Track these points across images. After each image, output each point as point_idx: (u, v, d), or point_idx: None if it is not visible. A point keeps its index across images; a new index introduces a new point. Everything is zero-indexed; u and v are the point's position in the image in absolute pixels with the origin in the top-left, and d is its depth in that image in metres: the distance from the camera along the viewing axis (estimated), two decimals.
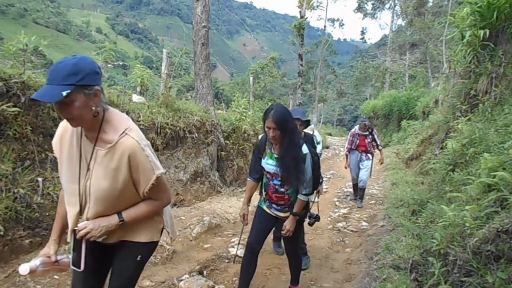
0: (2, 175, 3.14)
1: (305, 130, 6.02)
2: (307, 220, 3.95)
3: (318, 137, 5.93)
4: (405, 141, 12.68)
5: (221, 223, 5.39)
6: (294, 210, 2.89)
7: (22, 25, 74.65)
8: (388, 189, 7.71)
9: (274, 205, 3.01)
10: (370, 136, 6.91)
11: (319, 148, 6.13)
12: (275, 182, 2.92)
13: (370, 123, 7.04)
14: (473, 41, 4.80)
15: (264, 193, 3.09)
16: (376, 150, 7.17)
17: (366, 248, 4.50)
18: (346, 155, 7.27)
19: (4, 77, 3.39)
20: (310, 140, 4.03)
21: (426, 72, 24.63)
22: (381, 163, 7.76)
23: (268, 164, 2.89)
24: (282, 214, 3.02)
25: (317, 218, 4.06)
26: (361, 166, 6.95)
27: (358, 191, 7.10)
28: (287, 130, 2.66)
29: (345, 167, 7.41)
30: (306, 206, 3.05)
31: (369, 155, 6.99)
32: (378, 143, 6.99)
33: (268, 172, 2.94)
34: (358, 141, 6.95)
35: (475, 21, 4.78)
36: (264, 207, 3.07)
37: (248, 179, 3.17)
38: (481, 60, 4.70)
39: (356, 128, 7.07)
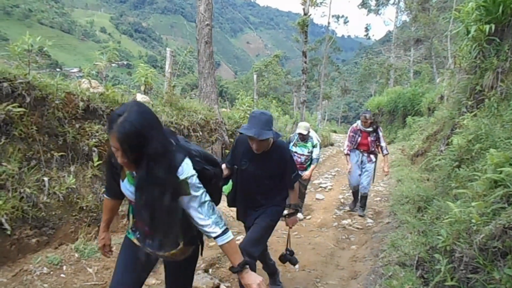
0: (9, 175, 3.17)
1: (298, 131, 5.51)
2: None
3: (315, 139, 5.65)
4: (410, 137, 12.62)
5: (226, 221, 5.37)
6: (235, 265, 1.74)
7: (27, 26, 75.48)
8: (394, 186, 7.67)
9: (148, 239, 1.84)
10: (375, 134, 5.82)
11: (316, 151, 5.70)
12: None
13: (373, 117, 5.92)
14: (478, 36, 4.76)
15: (131, 220, 1.94)
16: (380, 154, 6.01)
17: (372, 245, 4.49)
18: (347, 156, 6.00)
19: (9, 77, 3.43)
20: (281, 151, 2.96)
21: (431, 68, 24.47)
22: (386, 174, 6.13)
23: (128, 190, 1.78)
24: (160, 253, 1.86)
25: (291, 253, 3.31)
26: (362, 170, 5.95)
27: (360, 199, 6.11)
28: (144, 153, 1.50)
29: (348, 172, 6.01)
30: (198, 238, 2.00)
31: (372, 157, 5.93)
32: (383, 146, 5.85)
33: (131, 201, 1.82)
34: (359, 138, 5.85)
35: (481, 16, 4.74)
36: (133, 239, 1.95)
37: (105, 195, 2.08)
38: (486, 55, 4.66)
39: (358, 123, 5.92)
